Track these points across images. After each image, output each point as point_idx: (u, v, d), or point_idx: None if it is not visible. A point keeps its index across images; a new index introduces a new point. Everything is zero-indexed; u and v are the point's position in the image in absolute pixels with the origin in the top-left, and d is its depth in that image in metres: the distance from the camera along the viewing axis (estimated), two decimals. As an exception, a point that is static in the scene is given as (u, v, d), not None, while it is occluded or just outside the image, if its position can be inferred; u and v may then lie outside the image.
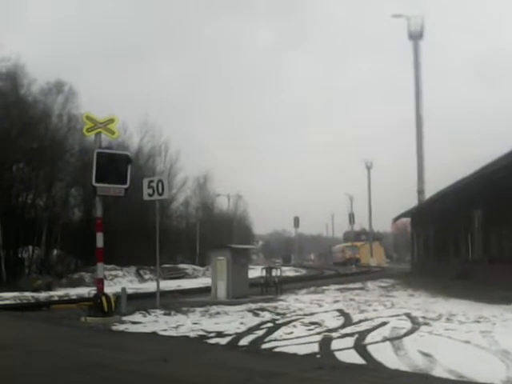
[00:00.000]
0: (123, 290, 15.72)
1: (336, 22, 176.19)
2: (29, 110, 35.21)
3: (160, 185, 16.70)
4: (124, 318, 13.76)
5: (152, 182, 16.98)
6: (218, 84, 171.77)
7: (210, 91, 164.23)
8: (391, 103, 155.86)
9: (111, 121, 14.48)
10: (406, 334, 10.77)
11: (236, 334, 11.29)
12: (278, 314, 14.72)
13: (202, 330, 11.98)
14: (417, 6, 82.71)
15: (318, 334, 11.10)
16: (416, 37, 54.54)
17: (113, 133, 14.65)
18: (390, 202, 73.72)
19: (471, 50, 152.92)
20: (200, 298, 19.84)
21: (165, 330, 12.15)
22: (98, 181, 14.08)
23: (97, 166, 14.04)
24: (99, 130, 14.32)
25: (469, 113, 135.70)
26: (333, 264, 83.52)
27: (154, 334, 11.71)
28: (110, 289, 18.28)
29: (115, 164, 14.36)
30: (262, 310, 15.73)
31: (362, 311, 15.07)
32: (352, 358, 8.66)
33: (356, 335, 10.75)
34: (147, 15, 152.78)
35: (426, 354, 8.66)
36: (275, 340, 10.48)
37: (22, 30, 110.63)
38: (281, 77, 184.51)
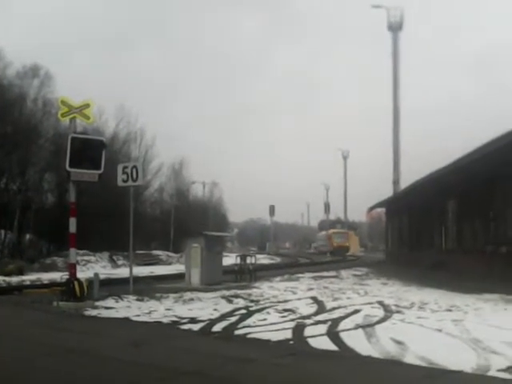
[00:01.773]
0: (96, 275, 15.60)
1: (319, 11, 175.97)
2: (4, 94, 34.77)
3: (134, 171, 16.57)
4: (96, 304, 13.65)
5: (126, 167, 16.84)
6: (196, 71, 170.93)
7: (189, 78, 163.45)
8: (369, 93, 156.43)
9: (87, 106, 14.33)
10: (379, 322, 10.84)
11: (209, 320, 11.26)
12: (251, 300, 14.73)
13: (175, 315, 11.94)
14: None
15: (292, 320, 11.12)
16: (395, 28, 54.39)
17: (88, 118, 14.52)
18: (366, 192, 73.67)
19: (452, 42, 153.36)
20: (174, 284, 19.75)
21: (137, 315, 12.09)
22: (71, 166, 13.94)
23: (71, 151, 13.89)
24: (74, 114, 14.18)
25: (445, 104, 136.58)
26: (317, 254, 73.68)
27: (127, 319, 11.64)
28: (83, 274, 18.14)
29: (89, 149, 14.23)
30: (236, 296, 15.72)
31: (336, 299, 15.13)
32: (325, 344, 8.68)
33: (329, 322, 10.79)
34: (129, 2, 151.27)
35: (398, 342, 8.72)
36: (248, 326, 10.47)
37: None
38: (259, 65, 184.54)
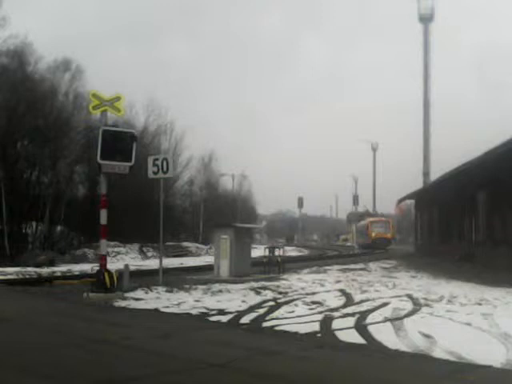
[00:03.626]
0: (126, 266, 15.76)
1: (348, 3, 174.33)
2: (35, 88, 35.12)
3: (165, 163, 16.71)
4: (126, 295, 13.80)
5: (157, 160, 16.98)
6: (226, 64, 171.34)
7: (218, 71, 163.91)
8: (399, 85, 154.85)
9: (117, 99, 14.41)
10: (407, 315, 10.79)
11: (237, 311, 11.33)
12: (279, 292, 14.76)
13: (204, 307, 12.03)
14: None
15: (320, 313, 11.14)
16: (426, 19, 54.07)
17: (119, 111, 14.59)
18: (394, 184, 73.54)
19: (481, 34, 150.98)
20: (202, 275, 19.90)
21: (167, 306, 12.20)
22: (103, 158, 14.03)
23: (102, 144, 13.99)
24: (105, 107, 14.26)
25: (475, 97, 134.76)
26: (358, 247, 62.92)
27: (156, 310, 11.76)
28: (113, 265, 18.32)
29: (120, 142, 14.28)
30: (264, 288, 15.77)
31: (364, 291, 15.09)
32: (352, 337, 8.69)
33: (357, 315, 10.78)
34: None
35: (426, 335, 8.69)
36: (276, 318, 10.52)
37: (29, 7, 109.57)
38: (291, 57, 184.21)
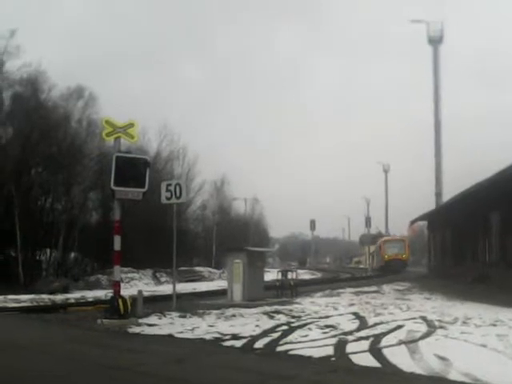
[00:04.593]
0: (139, 292, 15.79)
1: (357, 26, 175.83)
2: (49, 115, 35.50)
3: (178, 188, 16.79)
4: (140, 321, 13.80)
5: (170, 185, 17.07)
6: (237, 87, 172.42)
7: (229, 95, 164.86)
8: (410, 107, 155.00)
9: (131, 125, 14.46)
10: (422, 338, 10.74)
11: (251, 336, 11.30)
12: (293, 316, 14.73)
13: (218, 332, 12.01)
14: (439, 9, 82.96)
15: (333, 336, 11.10)
16: (435, 42, 54.36)
17: (132, 137, 14.64)
18: (407, 206, 73.30)
19: (488, 53, 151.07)
20: (216, 300, 19.89)
21: (181, 332, 12.20)
22: (116, 184, 14.07)
23: (115, 170, 14.04)
24: (118, 134, 14.31)
25: (485, 118, 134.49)
26: (372, 269, 55.72)
27: (170, 336, 11.76)
28: (127, 291, 18.35)
29: (134, 168, 14.31)
30: (278, 312, 15.74)
31: (378, 314, 15.02)
32: (367, 361, 8.65)
33: (371, 338, 10.73)
34: (169, 19, 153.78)
35: (441, 358, 8.64)
36: (290, 343, 10.49)
37: (42, 35, 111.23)
38: (300, 81, 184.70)
